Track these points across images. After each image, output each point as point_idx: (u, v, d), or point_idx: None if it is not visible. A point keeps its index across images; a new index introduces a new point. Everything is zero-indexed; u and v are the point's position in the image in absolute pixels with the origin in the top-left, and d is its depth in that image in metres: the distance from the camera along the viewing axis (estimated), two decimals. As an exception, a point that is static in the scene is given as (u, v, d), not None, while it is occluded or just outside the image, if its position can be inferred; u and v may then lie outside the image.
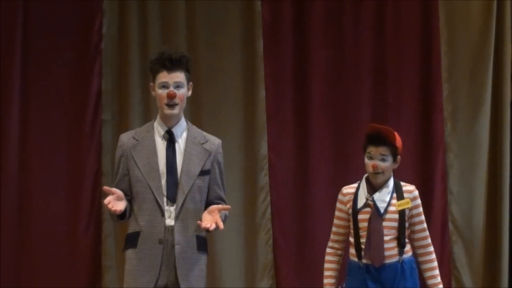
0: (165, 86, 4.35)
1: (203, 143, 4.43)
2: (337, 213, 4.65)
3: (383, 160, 4.50)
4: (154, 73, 4.38)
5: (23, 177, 6.44)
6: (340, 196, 4.65)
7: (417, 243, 4.59)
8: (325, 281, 4.66)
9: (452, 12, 6.63)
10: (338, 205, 4.64)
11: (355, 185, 4.62)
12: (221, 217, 4.30)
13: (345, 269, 4.66)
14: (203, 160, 4.39)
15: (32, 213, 6.43)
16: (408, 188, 4.58)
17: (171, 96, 4.33)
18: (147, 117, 6.49)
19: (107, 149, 6.49)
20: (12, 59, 6.42)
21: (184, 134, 4.42)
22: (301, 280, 6.56)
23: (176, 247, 4.31)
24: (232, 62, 6.62)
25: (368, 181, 4.58)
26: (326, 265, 4.68)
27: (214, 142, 4.47)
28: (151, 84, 4.42)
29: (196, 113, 6.50)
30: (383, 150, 4.49)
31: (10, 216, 6.38)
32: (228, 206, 4.34)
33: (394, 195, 4.54)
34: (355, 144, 6.56)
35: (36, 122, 6.47)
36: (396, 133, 4.56)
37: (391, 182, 4.55)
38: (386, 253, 4.49)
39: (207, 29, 6.62)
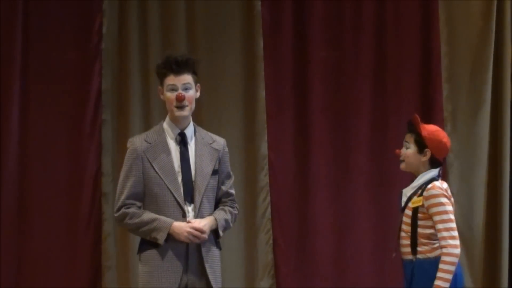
0: (173, 89, 4.42)
1: (211, 143, 4.53)
2: None
3: (405, 147, 4.51)
4: (162, 77, 4.46)
5: (23, 177, 6.44)
6: None
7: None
8: None
9: (452, 12, 6.62)
10: None
11: None
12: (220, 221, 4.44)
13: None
14: (214, 160, 4.49)
15: (32, 213, 6.43)
16: (429, 186, 4.44)
17: (180, 99, 4.40)
18: (147, 117, 6.50)
19: (107, 149, 6.50)
20: (12, 59, 6.42)
21: (194, 136, 4.50)
22: (301, 280, 6.55)
23: (202, 246, 4.37)
24: (232, 62, 6.62)
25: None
26: None
27: (220, 141, 4.58)
28: (159, 88, 4.49)
29: (196, 113, 6.40)
30: (407, 137, 4.52)
31: (10, 216, 6.38)
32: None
33: (420, 191, 4.44)
34: (355, 143, 6.59)
35: (36, 122, 6.47)
36: (427, 125, 4.54)
37: (422, 178, 4.46)
38: (402, 249, 4.47)
39: (207, 29, 6.62)
